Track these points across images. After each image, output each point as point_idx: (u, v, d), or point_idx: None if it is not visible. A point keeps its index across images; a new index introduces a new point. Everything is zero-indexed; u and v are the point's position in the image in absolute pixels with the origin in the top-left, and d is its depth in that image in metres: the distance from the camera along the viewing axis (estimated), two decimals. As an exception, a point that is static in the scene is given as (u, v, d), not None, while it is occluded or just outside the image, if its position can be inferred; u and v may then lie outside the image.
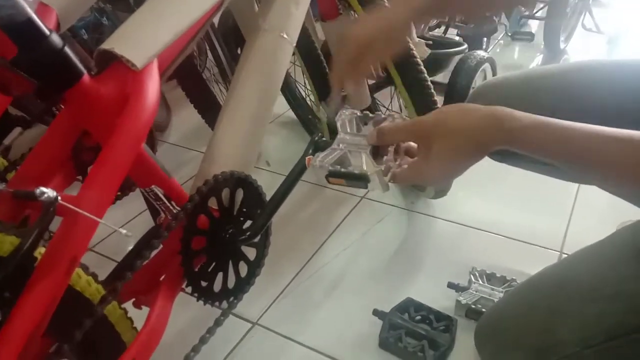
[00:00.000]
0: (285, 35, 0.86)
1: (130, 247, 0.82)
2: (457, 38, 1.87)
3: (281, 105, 1.71)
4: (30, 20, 0.51)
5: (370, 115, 0.66)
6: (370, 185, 0.58)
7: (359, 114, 0.66)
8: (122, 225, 1.33)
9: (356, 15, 1.12)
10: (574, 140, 0.47)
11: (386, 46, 0.68)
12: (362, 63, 0.67)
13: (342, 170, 0.59)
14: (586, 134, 0.47)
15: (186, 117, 1.77)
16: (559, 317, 0.53)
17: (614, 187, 0.50)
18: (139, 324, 0.68)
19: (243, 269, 0.84)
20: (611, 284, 0.51)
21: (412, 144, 0.61)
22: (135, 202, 0.89)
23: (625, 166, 0.46)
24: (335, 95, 0.68)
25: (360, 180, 0.58)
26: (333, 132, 0.66)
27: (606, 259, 0.55)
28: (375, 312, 1.01)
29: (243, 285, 0.84)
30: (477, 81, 1.50)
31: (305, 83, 1.56)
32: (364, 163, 0.60)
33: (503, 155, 0.81)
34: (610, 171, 0.47)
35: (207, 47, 1.54)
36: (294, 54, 1.10)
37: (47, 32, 0.53)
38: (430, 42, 1.52)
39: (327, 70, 1.36)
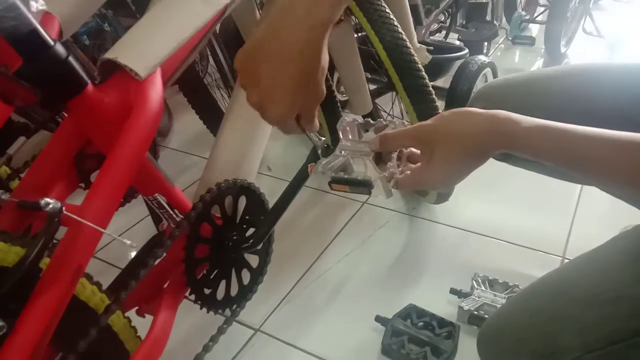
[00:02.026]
0: (287, 43, 0.86)
1: (133, 255, 0.82)
2: (458, 43, 1.87)
3: (283, 111, 1.71)
4: (34, 31, 0.51)
5: (372, 122, 0.66)
6: (374, 191, 0.58)
7: (360, 120, 0.66)
8: (124, 232, 1.33)
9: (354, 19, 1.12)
10: (573, 144, 0.47)
11: None
12: None
13: (346, 176, 0.59)
14: (586, 137, 0.47)
15: (187, 122, 1.78)
16: (561, 322, 0.52)
17: (615, 191, 0.49)
18: (142, 331, 0.68)
19: (246, 276, 0.84)
20: (612, 288, 0.51)
21: (415, 150, 0.61)
22: (137, 208, 0.89)
23: (625, 170, 0.45)
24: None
25: (364, 186, 0.58)
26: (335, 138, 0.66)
27: (607, 263, 0.55)
28: (378, 319, 1.01)
29: (246, 292, 0.84)
30: (478, 86, 1.51)
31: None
32: (367, 169, 0.60)
33: (505, 156, 0.80)
34: (611, 175, 0.47)
35: (209, 53, 1.54)
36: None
37: (51, 42, 0.53)
38: (431, 47, 1.52)
39: (328, 75, 1.36)
